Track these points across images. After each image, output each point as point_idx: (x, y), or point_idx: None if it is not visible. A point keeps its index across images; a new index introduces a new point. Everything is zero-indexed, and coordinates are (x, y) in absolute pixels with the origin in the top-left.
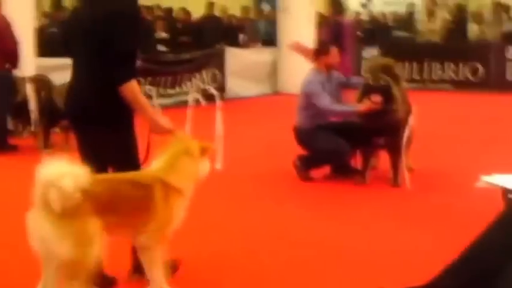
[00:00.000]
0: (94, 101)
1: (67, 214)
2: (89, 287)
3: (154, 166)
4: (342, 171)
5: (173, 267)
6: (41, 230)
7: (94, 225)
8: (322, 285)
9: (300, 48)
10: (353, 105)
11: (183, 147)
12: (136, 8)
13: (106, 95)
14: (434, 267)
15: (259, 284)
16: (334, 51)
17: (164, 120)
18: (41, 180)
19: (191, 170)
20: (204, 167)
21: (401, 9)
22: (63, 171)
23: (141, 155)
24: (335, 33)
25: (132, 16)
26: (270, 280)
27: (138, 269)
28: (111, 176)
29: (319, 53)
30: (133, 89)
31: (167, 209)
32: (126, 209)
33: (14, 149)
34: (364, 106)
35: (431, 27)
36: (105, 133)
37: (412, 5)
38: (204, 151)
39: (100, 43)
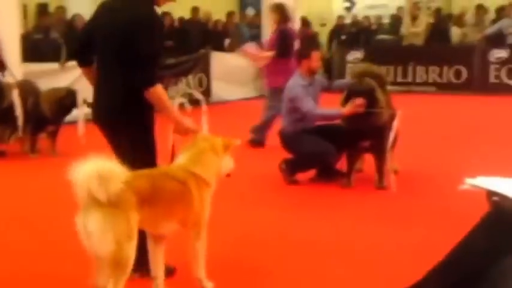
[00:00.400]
0: (117, 104)
1: (112, 206)
2: (123, 281)
3: (180, 161)
4: (328, 174)
5: (169, 272)
6: (86, 225)
7: (135, 220)
8: (306, 286)
9: (246, 53)
10: (337, 108)
11: (207, 143)
12: (155, 14)
13: (127, 99)
14: (419, 270)
15: (244, 285)
16: (315, 55)
17: (188, 122)
18: (82, 176)
19: (215, 165)
20: (227, 163)
21: (385, 12)
22: (100, 166)
23: (164, 154)
24: (281, 40)
25: (151, 21)
26: (255, 282)
27: (138, 267)
28: (146, 171)
29: (301, 57)
30: (159, 92)
31: (201, 201)
32: (169, 202)
33: (1, 154)
34: (347, 109)
35: (414, 30)
36: (126, 135)
37: (400, 8)
38: (226, 147)
39: (122, 48)
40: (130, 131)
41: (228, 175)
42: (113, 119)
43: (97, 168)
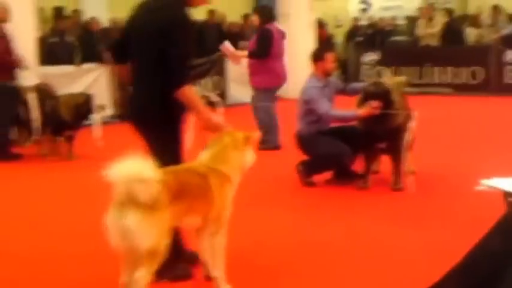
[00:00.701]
0: (147, 103)
1: (150, 205)
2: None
3: (203, 158)
4: (344, 176)
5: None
6: (124, 223)
7: (169, 215)
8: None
9: (226, 52)
10: (352, 110)
11: (230, 139)
12: (189, 16)
13: (158, 99)
14: (437, 272)
15: (259, 285)
16: (330, 57)
17: (217, 118)
18: (121, 176)
19: (237, 159)
20: (249, 156)
21: (400, 14)
22: (138, 166)
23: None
24: (261, 40)
25: (185, 22)
26: (270, 282)
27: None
28: (171, 168)
29: (315, 59)
30: (190, 92)
31: (222, 195)
32: (192, 197)
33: (17, 157)
34: (363, 111)
35: (430, 31)
36: (155, 133)
37: (421, 9)
38: (247, 141)
39: (156, 49)
40: (159, 130)
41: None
42: (143, 118)
43: (137, 169)
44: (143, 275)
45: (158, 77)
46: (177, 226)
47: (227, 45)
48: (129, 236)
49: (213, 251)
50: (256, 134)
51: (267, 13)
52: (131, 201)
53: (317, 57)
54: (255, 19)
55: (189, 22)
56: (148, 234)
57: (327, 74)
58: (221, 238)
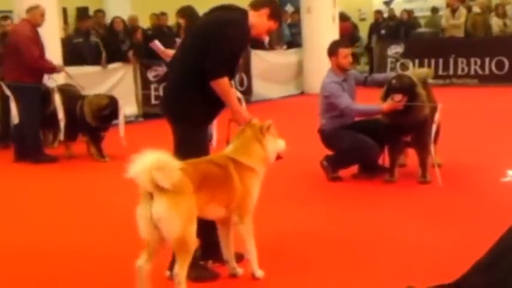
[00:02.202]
0: (172, 98)
1: (174, 192)
2: (188, 262)
3: (227, 150)
4: (370, 169)
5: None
6: (153, 214)
7: (194, 204)
8: (350, 283)
9: (158, 51)
10: (376, 104)
11: (250, 131)
12: (244, 27)
13: (194, 94)
14: (464, 264)
15: (287, 276)
16: (343, 52)
17: (245, 113)
18: (141, 168)
19: (258, 150)
20: (272, 145)
21: (424, 5)
22: (155, 156)
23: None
24: None
25: (236, 27)
26: (298, 274)
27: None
28: (191, 160)
29: (329, 53)
30: (224, 84)
31: (243, 185)
32: (213, 187)
33: (53, 160)
34: (386, 106)
35: (454, 22)
36: (177, 127)
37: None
38: (261, 130)
39: (201, 46)
40: (180, 125)
41: (279, 157)
42: (168, 112)
43: (156, 159)
44: (178, 271)
45: (196, 73)
46: (209, 223)
47: (157, 44)
48: (157, 225)
49: (242, 238)
50: (268, 122)
51: (192, 14)
52: (155, 191)
53: (330, 52)
54: (182, 22)
55: (241, 29)
56: (175, 220)
57: (342, 68)
58: (247, 226)
